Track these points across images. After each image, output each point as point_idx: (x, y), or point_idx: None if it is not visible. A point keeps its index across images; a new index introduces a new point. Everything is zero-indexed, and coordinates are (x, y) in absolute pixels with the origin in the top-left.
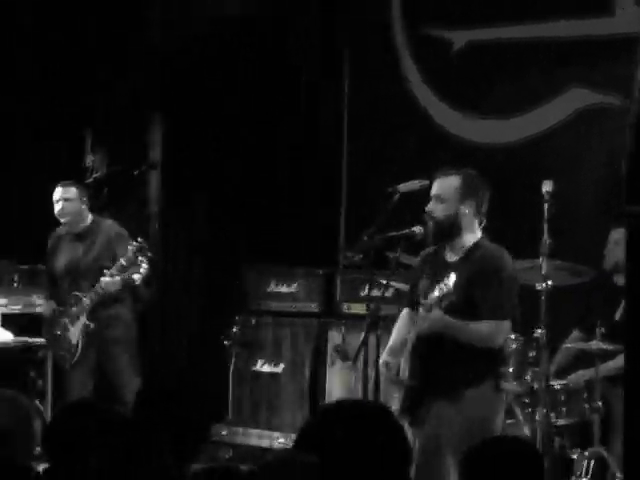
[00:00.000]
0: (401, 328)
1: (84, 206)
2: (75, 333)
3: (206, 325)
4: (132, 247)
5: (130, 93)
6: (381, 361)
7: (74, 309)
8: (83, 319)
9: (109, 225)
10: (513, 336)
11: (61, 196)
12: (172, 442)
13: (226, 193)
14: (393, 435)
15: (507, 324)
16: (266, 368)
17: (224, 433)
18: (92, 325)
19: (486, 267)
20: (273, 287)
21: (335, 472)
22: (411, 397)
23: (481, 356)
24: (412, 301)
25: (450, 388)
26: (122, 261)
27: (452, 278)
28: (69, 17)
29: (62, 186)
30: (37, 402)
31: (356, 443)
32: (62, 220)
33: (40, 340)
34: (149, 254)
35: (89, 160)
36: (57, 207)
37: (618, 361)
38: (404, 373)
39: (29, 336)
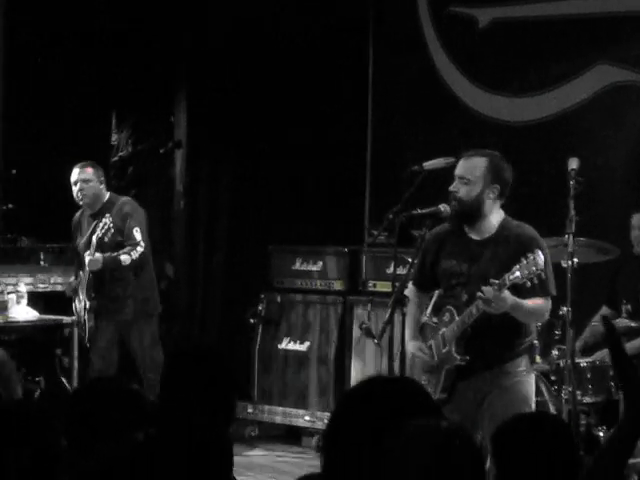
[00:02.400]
0: (413, 308)
1: (102, 185)
2: (82, 310)
3: (232, 303)
4: (101, 225)
5: (156, 72)
6: (410, 351)
7: (79, 286)
8: (83, 296)
9: (123, 202)
10: None
11: (78, 178)
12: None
13: (252, 172)
14: (429, 410)
15: (550, 300)
16: (292, 346)
17: (250, 411)
18: (89, 302)
19: (528, 246)
20: (299, 265)
21: (371, 451)
22: (455, 375)
23: (520, 332)
24: (423, 279)
25: (494, 363)
26: (93, 240)
27: (540, 257)
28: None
29: (79, 167)
30: (64, 380)
31: (392, 420)
32: (80, 202)
33: (66, 318)
34: (134, 239)
35: (115, 139)
36: (75, 189)
37: None
38: (446, 353)
39: (55, 314)
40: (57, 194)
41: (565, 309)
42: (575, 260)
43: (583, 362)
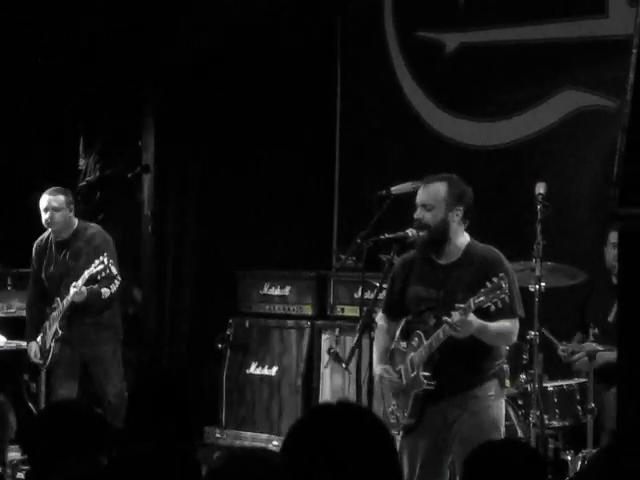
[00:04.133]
0: (382, 335)
1: (71, 213)
2: (50, 336)
3: (199, 328)
4: (97, 263)
5: (123, 96)
6: (377, 374)
7: (54, 314)
8: (56, 324)
9: (95, 231)
10: None
11: (49, 205)
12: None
13: (220, 196)
14: (379, 435)
15: (518, 321)
16: (260, 371)
17: (218, 436)
18: (61, 332)
19: (493, 269)
20: (266, 290)
21: (323, 472)
22: (423, 400)
23: (489, 355)
24: (393, 307)
25: (463, 387)
26: (85, 274)
27: (504, 280)
28: (65, 18)
29: (49, 194)
30: (31, 405)
31: (342, 444)
32: (50, 229)
33: None
34: (112, 272)
35: (82, 163)
36: (45, 216)
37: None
38: (414, 378)
39: (22, 339)
40: (24, 219)
41: (533, 333)
42: (543, 284)
43: (550, 386)
